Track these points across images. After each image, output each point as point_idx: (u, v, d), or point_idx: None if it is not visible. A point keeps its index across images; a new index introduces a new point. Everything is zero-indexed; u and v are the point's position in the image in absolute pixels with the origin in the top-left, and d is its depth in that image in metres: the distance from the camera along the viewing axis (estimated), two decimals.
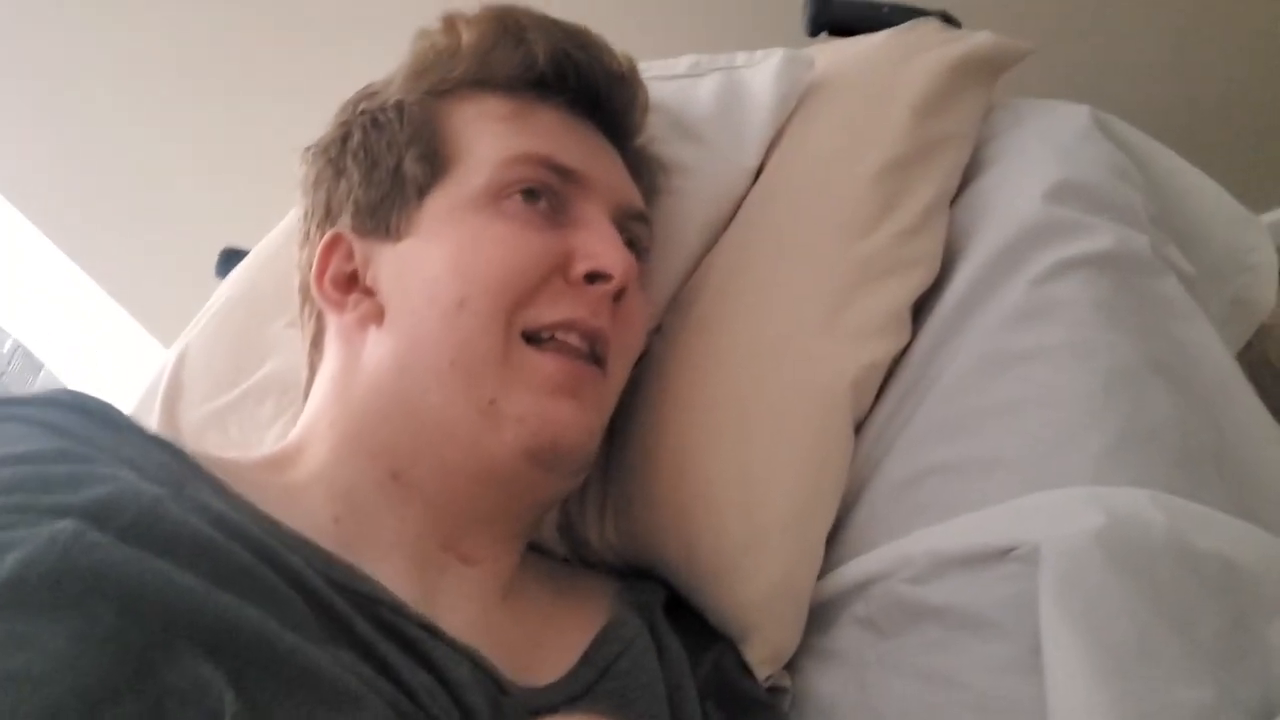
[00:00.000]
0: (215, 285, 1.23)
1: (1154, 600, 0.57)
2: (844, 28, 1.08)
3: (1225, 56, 1.62)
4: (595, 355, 0.71)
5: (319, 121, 0.80)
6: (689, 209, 0.88)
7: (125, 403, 1.08)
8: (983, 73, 0.91)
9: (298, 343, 0.82)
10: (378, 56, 0.79)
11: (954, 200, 0.88)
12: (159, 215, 1.84)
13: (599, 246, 0.70)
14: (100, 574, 0.42)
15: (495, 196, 0.70)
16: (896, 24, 0.98)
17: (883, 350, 0.78)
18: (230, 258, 1.33)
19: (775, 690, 0.73)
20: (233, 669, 0.44)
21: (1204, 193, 0.98)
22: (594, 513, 0.81)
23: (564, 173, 0.72)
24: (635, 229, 0.79)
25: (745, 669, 0.72)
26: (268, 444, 0.94)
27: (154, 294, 1.94)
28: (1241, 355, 1.05)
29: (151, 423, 1.02)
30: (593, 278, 0.70)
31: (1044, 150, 0.86)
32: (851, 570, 0.71)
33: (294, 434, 0.72)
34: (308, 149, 0.79)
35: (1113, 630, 0.55)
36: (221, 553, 0.49)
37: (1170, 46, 1.60)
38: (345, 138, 0.76)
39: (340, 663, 0.50)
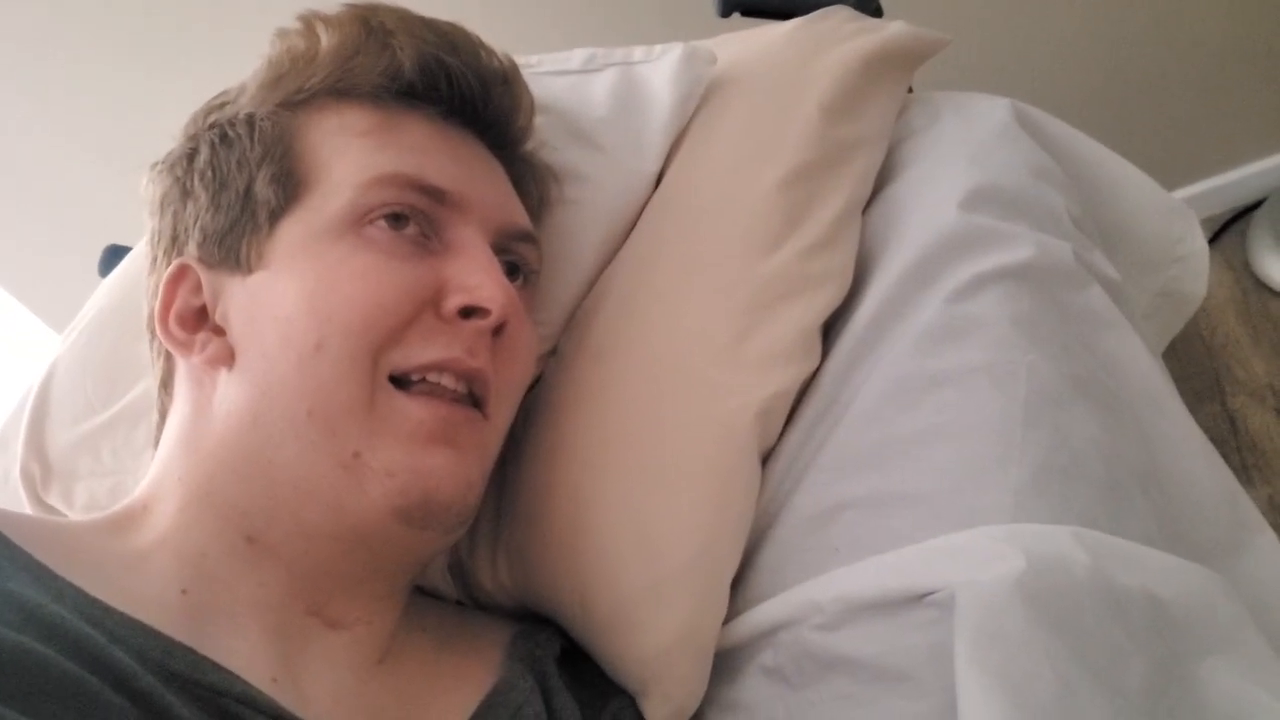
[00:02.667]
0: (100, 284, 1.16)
1: (1078, 651, 0.53)
2: (756, 9, 1.02)
3: (1139, 30, 1.58)
4: (473, 396, 0.65)
5: None
6: (585, 220, 0.81)
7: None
8: (898, 68, 0.85)
9: None
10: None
11: (867, 206, 0.82)
12: (47, 205, 1.74)
13: (475, 277, 0.63)
14: None
15: (356, 222, 0.63)
16: (811, 4, 0.93)
17: (790, 377, 0.72)
18: (114, 256, 1.25)
19: None
20: None
21: (1131, 183, 0.94)
22: (486, 553, 0.75)
23: (435, 193, 0.65)
24: (520, 250, 0.72)
25: None
26: (143, 471, 0.88)
27: (49, 286, 1.85)
28: None
29: (17, 449, 0.94)
30: (468, 312, 0.63)
31: (960, 152, 0.81)
32: (758, 616, 0.66)
33: (140, 489, 0.65)
34: (154, 165, 0.71)
35: (1034, 687, 0.51)
36: (29, 661, 0.43)
37: (1084, 20, 1.56)
38: (192, 154, 0.69)
39: None
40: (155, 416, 0.71)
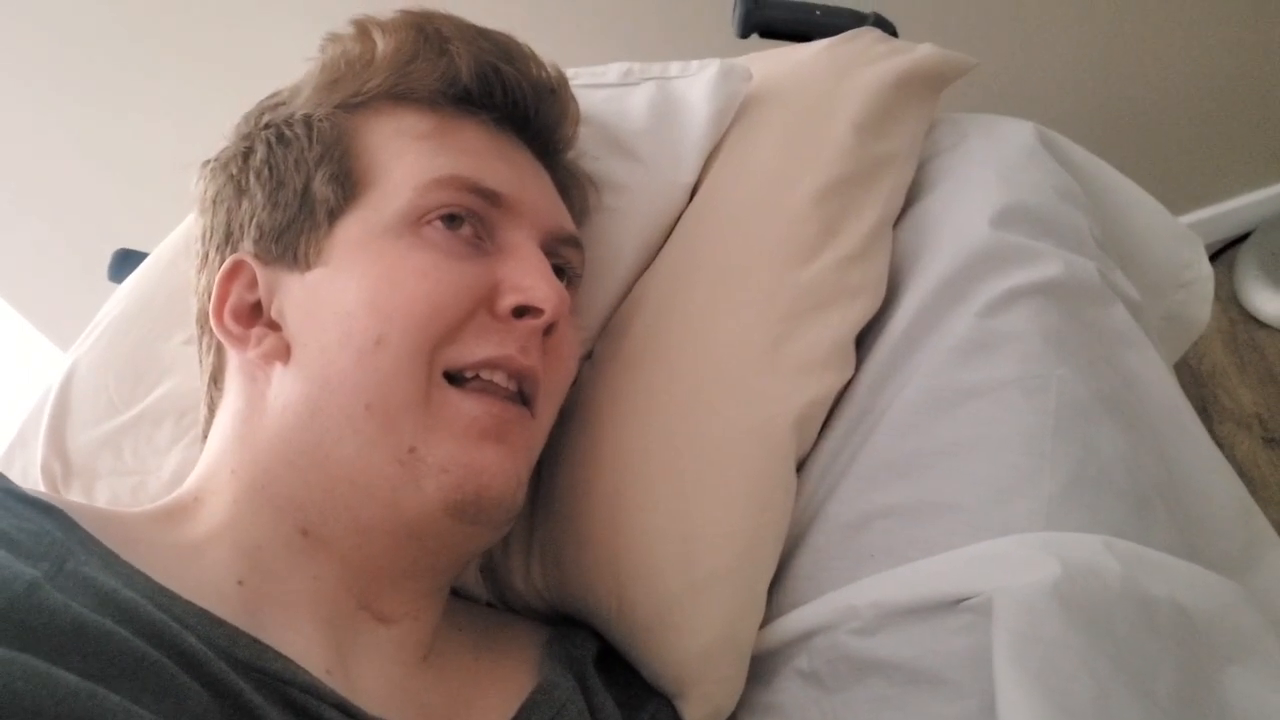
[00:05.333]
0: (110, 289, 1.16)
1: (1113, 657, 0.55)
2: (775, 29, 1.04)
3: (1132, 64, 1.62)
4: (523, 395, 0.66)
5: (221, 117, 0.74)
6: (623, 228, 0.83)
7: (19, 415, 1.02)
8: (927, 88, 0.87)
9: (196, 362, 0.76)
10: (283, 47, 0.73)
11: (897, 221, 0.84)
12: (49, 212, 1.73)
13: (528, 278, 0.65)
14: None
15: (415, 223, 0.64)
16: (829, 26, 0.95)
17: (826, 385, 0.74)
18: (124, 260, 1.25)
19: None
20: None
21: (1143, 209, 0.96)
22: (519, 556, 0.76)
23: (489, 196, 0.67)
24: (566, 254, 0.74)
25: None
26: (166, 472, 0.88)
27: (48, 296, 1.83)
28: None
29: (36, 447, 0.94)
30: (521, 312, 0.65)
31: (990, 172, 0.83)
32: (794, 620, 0.67)
33: (191, 481, 0.66)
34: (206, 163, 0.72)
35: (1071, 690, 0.53)
36: (109, 643, 0.44)
37: (1078, 54, 1.60)
38: (248, 153, 0.69)
39: None
40: (203, 411, 0.71)
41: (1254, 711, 0.56)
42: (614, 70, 0.90)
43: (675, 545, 0.68)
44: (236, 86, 0.76)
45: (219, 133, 0.74)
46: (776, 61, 0.92)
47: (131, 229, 1.35)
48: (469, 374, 0.63)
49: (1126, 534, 0.62)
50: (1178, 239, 0.97)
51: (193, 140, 0.74)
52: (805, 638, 0.66)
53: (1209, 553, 0.69)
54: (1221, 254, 1.87)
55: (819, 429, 0.75)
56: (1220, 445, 1.62)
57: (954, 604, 0.60)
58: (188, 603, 0.52)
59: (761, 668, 0.69)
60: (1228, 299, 1.82)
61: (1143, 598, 0.58)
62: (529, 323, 0.65)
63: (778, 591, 0.71)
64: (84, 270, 1.39)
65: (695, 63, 0.88)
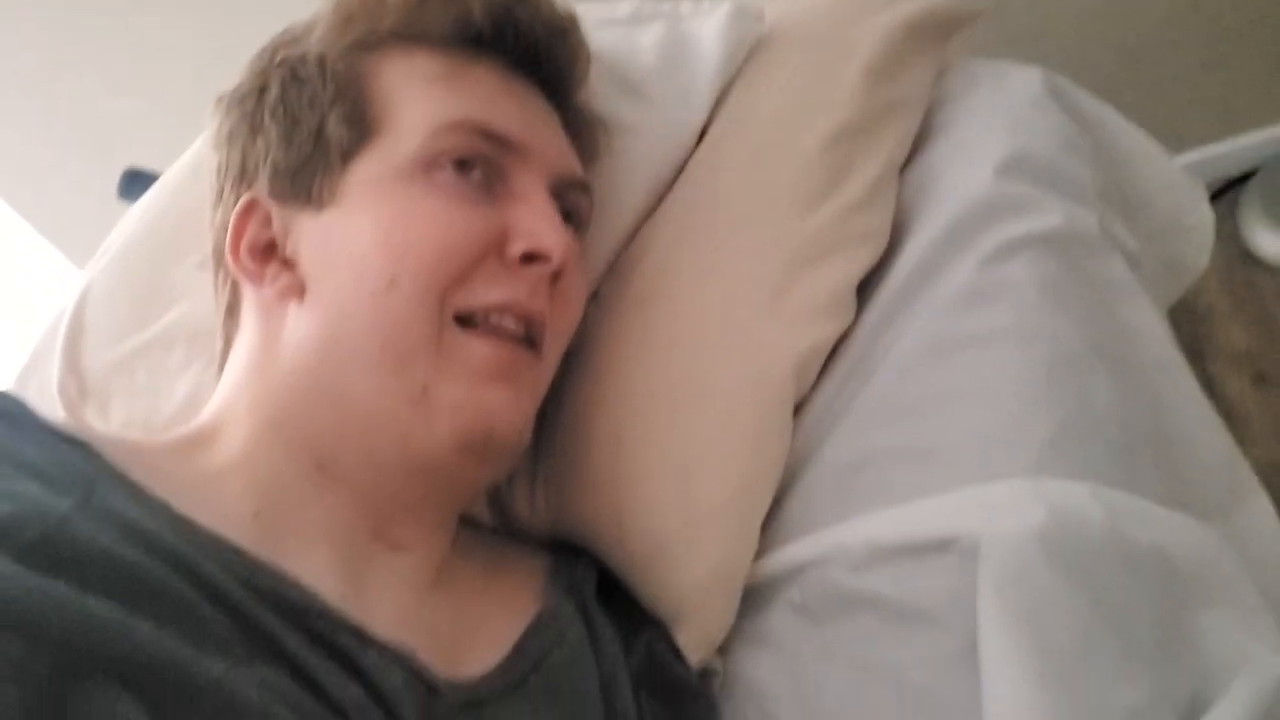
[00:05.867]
0: (121, 206, 1.17)
1: (1095, 600, 0.57)
2: None
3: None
4: (530, 338, 0.67)
5: (231, 36, 0.73)
6: (631, 169, 0.83)
7: (35, 328, 1.04)
8: (937, 34, 0.88)
9: (207, 286, 0.77)
10: None
11: (902, 168, 0.85)
12: (62, 126, 1.73)
13: (538, 224, 0.66)
14: (1, 603, 0.39)
15: (426, 167, 0.65)
16: None
17: (826, 332, 0.76)
18: (133, 180, 1.26)
19: (705, 673, 0.72)
20: (151, 702, 0.41)
21: (1147, 157, 0.97)
22: (524, 485, 0.78)
23: (501, 140, 0.68)
24: (575, 199, 0.75)
25: (677, 653, 0.71)
26: (178, 395, 0.90)
27: (62, 210, 1.83)
28: None
29: (52, 367, 0.96)
30: (529, 258, 0.66)
31: (996, 121, 0.84)
32: (787, 554, 0.70)
33: (209, 411, 0.68)
34: (221, 98, 0.73)
35: (1054, 632, 0.55)
36: (135, 571, 0.46)
37: None
38: (262, 90, 0.70)
39: (266, 685, 0.47)
40: (219, 344, 0.73)
41: (1229, 652, 0.58)
42: (625, 7, 0.90)
43: (674, 481, 0.71)
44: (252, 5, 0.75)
45: (230, 51, 0.74)
46: (789, 2, 0.92)
47: (149, 143, 1.34)
48: (479, 317, 0.65)
49: (1114, 482, 0.64)
50: (1181, 187, 0.99)
51: (210, 56, 0.73)
52: (797, 571, 0.69)
53: (1193, 501, 0.71)
54: (1225, 192, 1.86)
55: (817, 373, 0.77)
56: (1211, 383, 1.65)
57: (942, 545, 0.62)
58: (209, 532, 0.54)
59: (754, 599, 0.72)
60: (1228, 237, 1.82)
61: (1125, 544, 0.60)
62: (538, 269, 0.66)
63: (772, 527, 0.73)
64: (99, 186, 1.39)
65: (707, 2, 0.88)
